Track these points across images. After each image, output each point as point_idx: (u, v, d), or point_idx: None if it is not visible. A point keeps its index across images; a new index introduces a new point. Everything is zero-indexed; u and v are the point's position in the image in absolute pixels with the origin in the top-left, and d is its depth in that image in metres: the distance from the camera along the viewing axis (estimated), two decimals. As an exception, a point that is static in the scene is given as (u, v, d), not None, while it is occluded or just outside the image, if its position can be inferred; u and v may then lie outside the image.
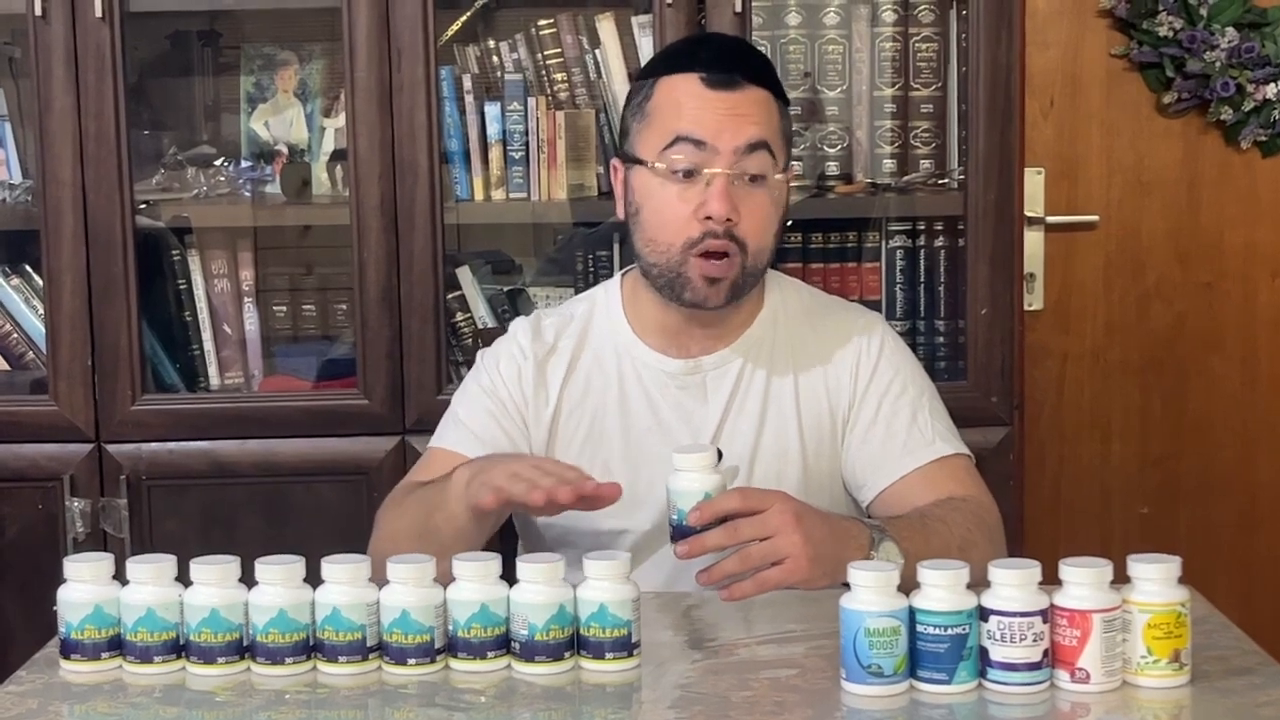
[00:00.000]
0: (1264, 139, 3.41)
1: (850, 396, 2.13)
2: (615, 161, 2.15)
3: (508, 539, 2.27)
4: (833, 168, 2.92)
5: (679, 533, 1.80)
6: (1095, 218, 3.45)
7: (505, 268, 3.01)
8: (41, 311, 2.83)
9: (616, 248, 2.88)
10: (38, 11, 2.69)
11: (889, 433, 2.11)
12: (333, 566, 1.66)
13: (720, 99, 2.04)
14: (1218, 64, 3.34)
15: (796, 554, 1.78)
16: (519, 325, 2.21)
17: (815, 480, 2.09)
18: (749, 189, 2.04)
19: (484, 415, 2.14)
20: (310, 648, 1.66)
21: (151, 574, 1.67)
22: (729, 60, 2.08)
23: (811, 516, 1.82)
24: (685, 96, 2.05)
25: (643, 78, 2.14)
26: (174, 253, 2.91)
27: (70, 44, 2.71)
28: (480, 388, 2.17)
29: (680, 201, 2.04)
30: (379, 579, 1.67)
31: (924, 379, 2.18)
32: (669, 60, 2.15)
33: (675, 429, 2.10)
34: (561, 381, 2.13)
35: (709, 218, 2.01)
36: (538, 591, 1.65)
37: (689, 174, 2.03)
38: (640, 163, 2.07)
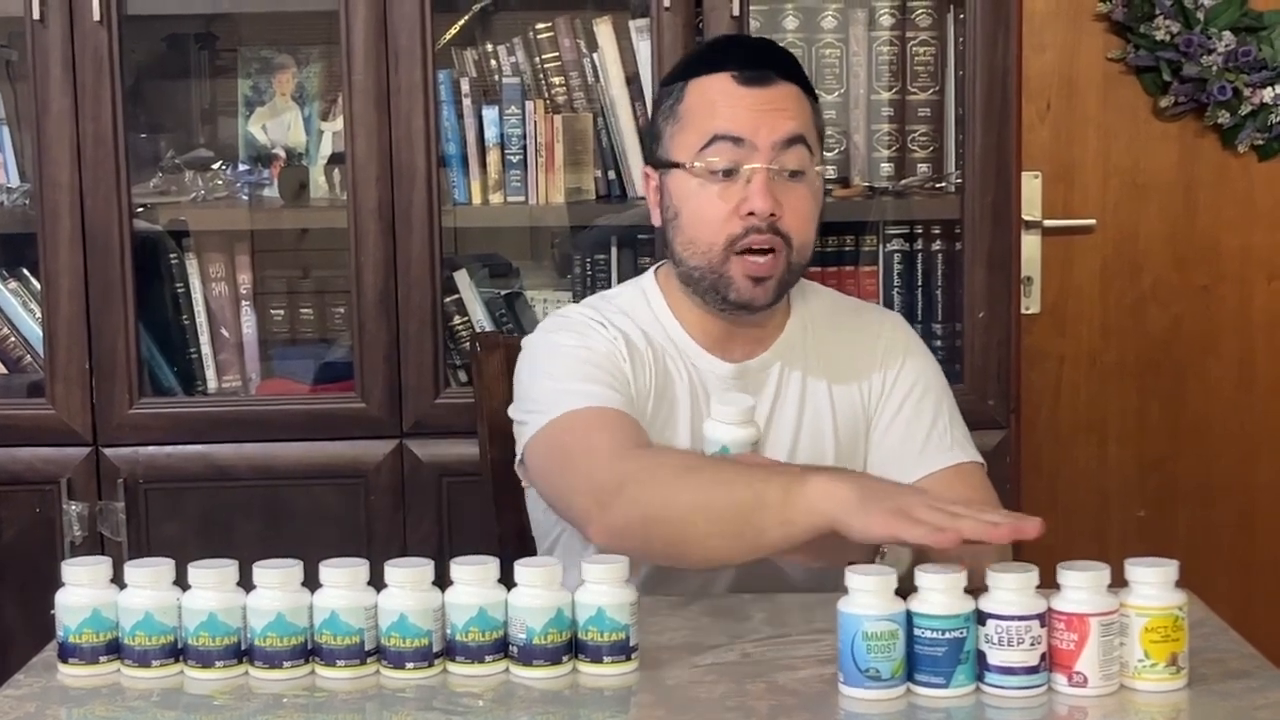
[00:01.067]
0: (1261, 142, 3.41)
1: (877, 395, 2.14)
2: (646, 169, 2.14)
3: (503, 543, 2.27)
4: (830, 171, 2.91)
5: None
6: (1092, 221, 3.45)
7: (503, 271, 3.01)
8: (39, 315, 2.83)
9: (614, 250, 2.88)
10: (35, 15, 2.69)
11: (908, 434, 2.11)
12: (331, 570, 1.65)
13: (754, 95, 2.03)
14: (1214, 68, 3.35)
15: None
16: (578, 311, 2.13)
17: None
18: (789, 184, 2.03)
19: (606, 374, 2.02)
20: (308, 651, 1.66)
21: (149, 578, 1.67)
22: (759, 57, 2.08)
23: None
24: (719, 95, 2.04)
25: (670, 82, 2.12)
26: (171, 256, 2.91)
27: (68, 47, 2.71)
28: (583, 356, 2.03)
29: (721, 200, 2.02)
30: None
31: (944, 385, 2.18)
32: (698, 62, 2.12)
33: None
34: (651, 367, 2.08)
35: (751, 214, 2.01)
36: (535, 595, 1.65)
37: (728, 173, 2.02)
38: (677, 165, 2.06)
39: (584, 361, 2.03)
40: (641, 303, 2.14)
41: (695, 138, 2.04)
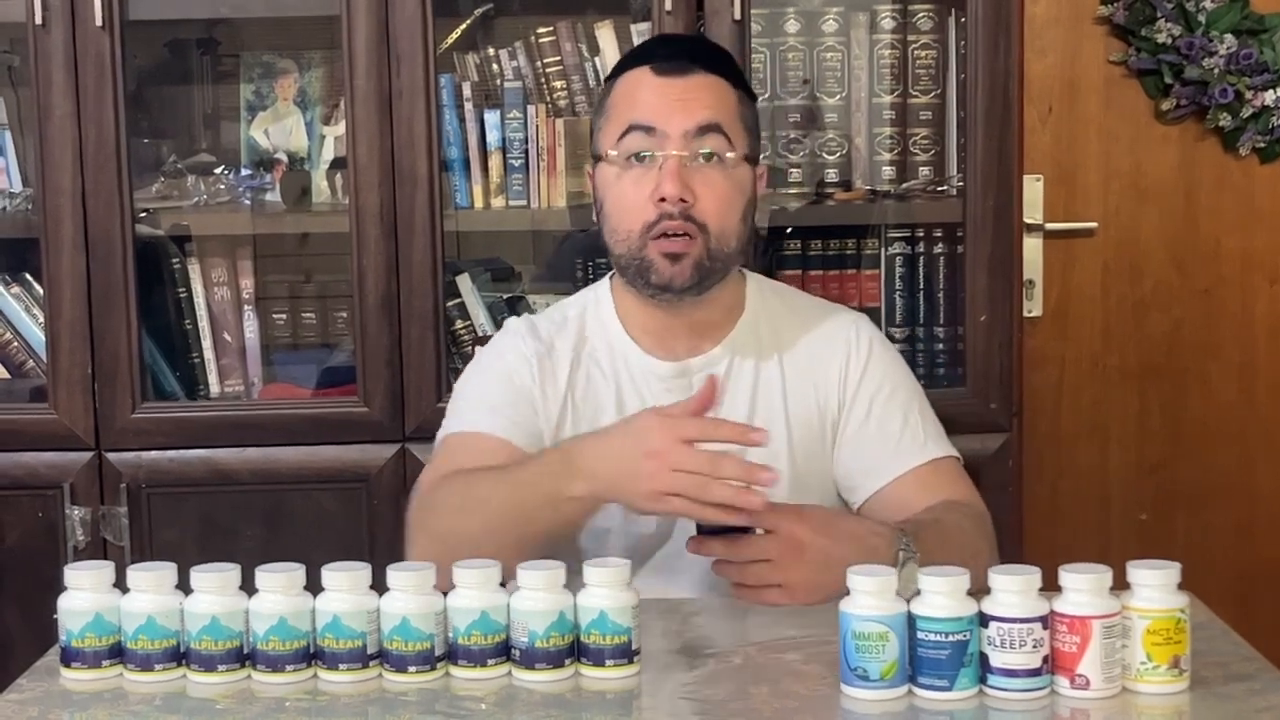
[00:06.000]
0: (1262, 145, 3.41)
1: (840, 398, 2.13)
2: (588, 167, 2.18)
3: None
4: (832, 175, 2.92)
5: (698, 527, 1.89)
6: (1094, 224, 3.45)
7: (505, 275, 3.01)
8: (41, 320, 2.83)
9: (615, 255, 2.88)
10: (38, 20, 2.69)
11: (881, 435, 2.11)
12: (333, 574, 1.66)
13: (669, 84, 2.06)
14: (1216, 70, 3.35)
15: (793, 584, 1.85)
16: (514, 325, 2.21)
17: (804, 481, 2.09)
18: (704, 170, 2.05)
19: (504, 397, 2.10)
20: (311, 655, 1.66)
21: (152, 582, 1.67)
22: (680, 50, 2.12)
23: (819, 543, 1.84)
24: (636, 87, 2.08)
25: (608, 80, 2.17)
26: (174, 261, 2.91)
27: (70, 52, 2.71)
28: (492, 377, 2.14)
29: (635, 187, 2.05)
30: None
31: (912, 380, 2.19)
32: (628, 58, 2.18)
33: None
34: (565, 379, 2.12)
35: (663, 199, 2.03)
36: (538, 599, 1.65)
37: (643, 160, 2.05)
38: (601, 158, 2.10)
39: (490, 382, 2.13)
40: (591, 308, 2.18)
41: (615, 129, 2.08)
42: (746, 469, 1.80)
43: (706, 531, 1.88)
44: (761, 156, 2.17)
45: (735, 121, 2.08)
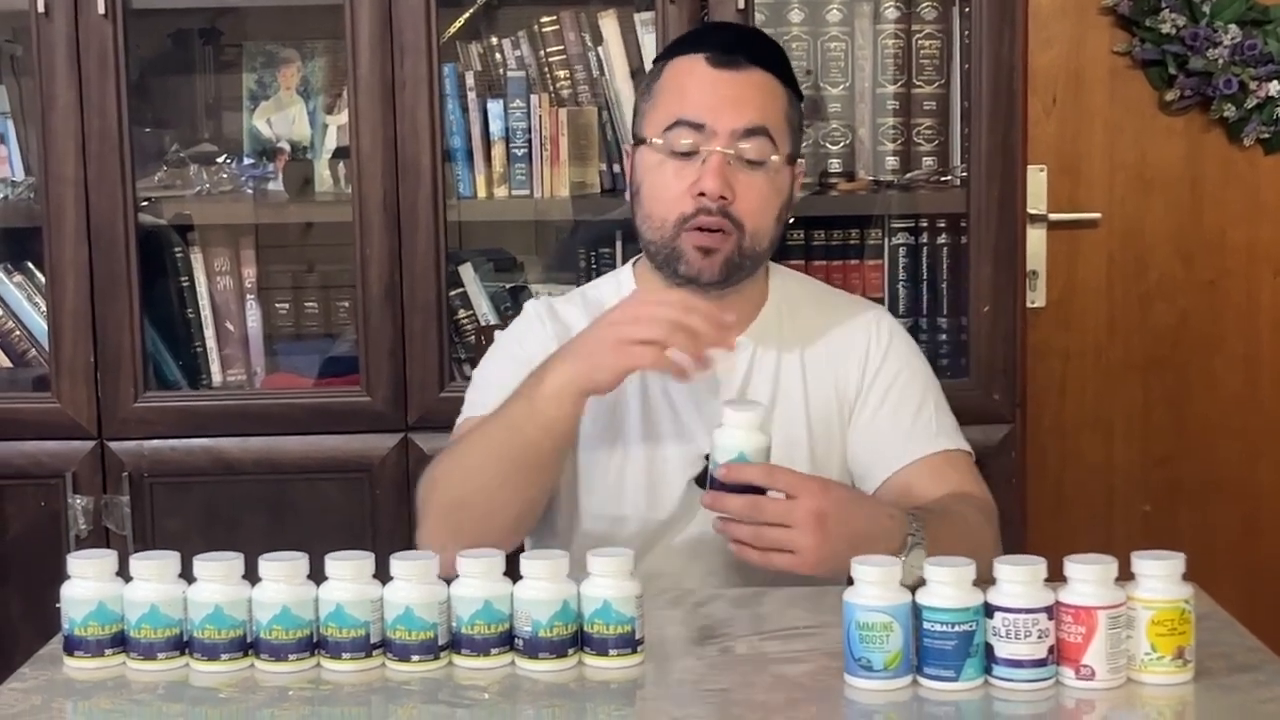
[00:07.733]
0: (1267, 136, 3.41)
1: (858, 385, 2.14)
2: (627, 146, 2.18)
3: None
4: (835, 165, 2.91)
5: (711, 483, 1.87)
6: (1098, 215, 3.45)
7: (507, 265, 3.01)
8: (44, 309, 2.83)
9: (619, 244, 2.88)
10: (40, 8, 2.69)
11: (894, 422, 2.11)
12: (336, 563, 1.65)
13: (721, 79, 2.06)
14: (1220, 61, 3.34)
15: (806, 553, 1.83)
16: (534, 307, 2.20)
17: (823, 469, 2.09)
18: (746, 170, 2.05)
19: (513, 376, 2.07)
20: (314, 644, 1.66)
21: (155, 570, 1.67)
22: (736, 42, 2.11)
23: (838, 518, 1.83)
24: (688, 77, 2.08)
25: (658, 61, 2.17)
26: (176, 250, 2.91)
27: (73, 41, 2.71)
28: (510, 360, 2.13)
29: (676, 178, 2.05)
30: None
31: (929, 374, 2.19)
32: (681, 43, 2.18)
33: (688, 417, 2.09)
34: None
35: (703, 194, 2.03)
36: (541, 588, 1.65)
37: (687, 153, 2.05)
38: (645, 141, 2.09)
39: (507, 367, 2.09)
40: (613, 294, 2.16)
41: (662, 117, 2.08)
42: (710, 311, 1.90)
43: (717, 486, 1.86)
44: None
45: (782, 123, 2.08)
